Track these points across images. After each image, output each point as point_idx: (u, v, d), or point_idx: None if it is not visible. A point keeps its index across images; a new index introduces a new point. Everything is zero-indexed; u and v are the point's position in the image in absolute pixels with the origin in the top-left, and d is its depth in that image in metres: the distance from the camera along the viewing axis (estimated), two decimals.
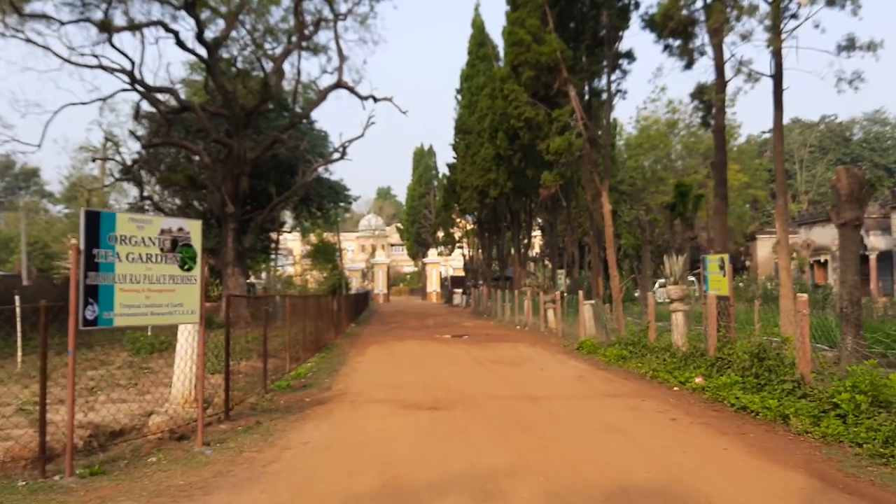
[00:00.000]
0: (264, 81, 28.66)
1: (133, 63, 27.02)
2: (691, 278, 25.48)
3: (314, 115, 55.97)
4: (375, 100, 31.75)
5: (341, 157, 33.74)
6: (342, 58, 30.25)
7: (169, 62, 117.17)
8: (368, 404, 10.25)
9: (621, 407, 9.64)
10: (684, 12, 14.04)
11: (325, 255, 55.57)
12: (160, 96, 29.24)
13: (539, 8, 20.80)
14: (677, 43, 15.28)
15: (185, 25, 53.97)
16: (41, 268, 47.51)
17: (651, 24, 16.13)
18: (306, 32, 29.44)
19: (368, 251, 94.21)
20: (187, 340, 8.81)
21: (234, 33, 29.21)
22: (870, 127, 77.48)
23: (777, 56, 12.85)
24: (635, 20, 24.69)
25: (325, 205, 43.52)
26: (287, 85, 33.51)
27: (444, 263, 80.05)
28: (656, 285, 28.54)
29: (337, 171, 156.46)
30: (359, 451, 7.33)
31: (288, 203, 38.06)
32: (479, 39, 40.33)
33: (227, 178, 28.40)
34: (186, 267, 7.36)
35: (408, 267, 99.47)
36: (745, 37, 12.94)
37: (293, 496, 5.79)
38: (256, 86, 29.92)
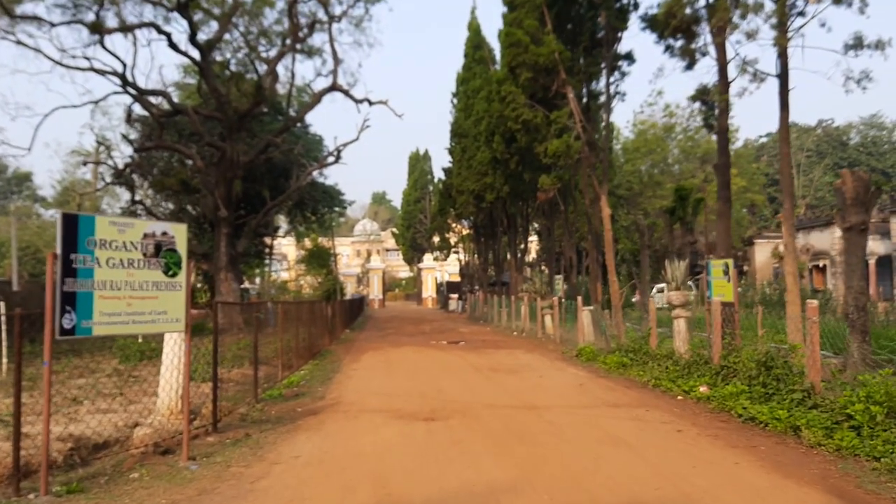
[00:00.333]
0: (258, 84, 28.35)
1: (125, 65, 26.75)
2: (689, 283, 25.12)
3: (309, 119, 55.78)
4: (370, 103, 31.50)
5: (336, 161, 33.50)
6: (337, 60, 30.01)
7: (162, 65, 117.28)
8: (363, 414, 9.91)
9: (625, 417, 9.31)
10: (688, 10, 13.74)
11: (319, 260, 55.19)
12: (153, 99, 28.94)
13: (537, 8, 20.51)
14: (679, 43, 15.00)
15: (178, 27, 53.65)
16: (33, 273, 46.97)
17: (652, 23, 15.86)
18: (300, 35, 29.18)
19: (363, 256, 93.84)
20: (172, 349, 8.45)
21: (227, 35, 28.98)
22: (867, 131, 77.54)
23: (783, 55, 12.56)
24: (634, 21, 24.45)
25: (320, 209, 43.20)
26: (281, 88, 33.26)
27: (440, 269, 79.77)
28: (653, 290, 28.26)
29: (332, 176, 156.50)
30: (352, 465, 6.98)
31: (282, 207, 37.72)
32: (476, 42, 40.07)
33: (221, 182, 28.08)
34: (171, 273, 7.01)
35: (403, 272, 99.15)
36: (750, 35, 12.66)
37: None
38: (250, 88, 29.61)
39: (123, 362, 16.57)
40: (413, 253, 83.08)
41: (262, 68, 29.81)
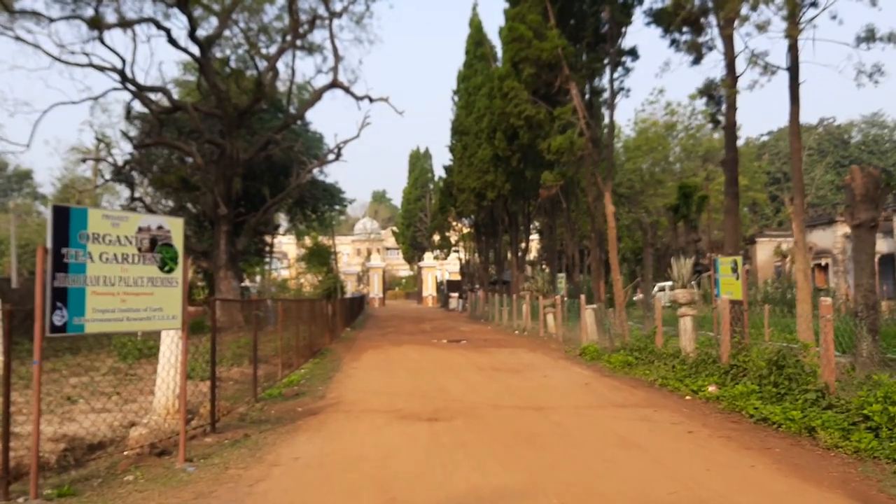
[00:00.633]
0: (258, 80, 28.13)
1: (124, 61, 26.54)
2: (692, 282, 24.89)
3: (309, 117, 55.50)
4: (371, 100, 31.29)
5: (336, 158, 33.30)
6: (337, 57, 29.80)
7: (161, 61, 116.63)
8: (364, 414, 9.67)
9: (633, 418, 9.07)
10: (696, 1, 13.49)
11: (319, 258, 55.02)
12: (152, 96, 28.73)
13: (540, 3, 20.27)
14: (685, 37, 14.75)
15: (178, 23, 53.16)
16: (32, 270, 46.75)
17: (658, 17, 15.60)
18: (301, 31, 28.94)
19: (364, 255, 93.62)
20: (169, 348, 8.21)
21: (227, 32, 28.76)
22: (868, 130, 77.30)
23: (793, 48, 12.30)
24: (638, 16, 24.21)
25: (320, 207, 43.00)
26: (281, 86, 33.06)
27: (440, 267, 79.55)
28: (655, 289, 28.02)
29: (332, 174, 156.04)
30: (353, 468, 6.74)
31: (282, 205, 37.53)
32: (477, 39, 39.82)
33: (220, 180, 27.87)
34: (167, 268, 6.78)
35: (403, 271, 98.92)
36: (761, 27, 12.40)
37: None
38: (250, 85, 29.41)
39: (121, 360, 16.34)
40: (413, 251, 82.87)
41: (263, 65, 29.58)
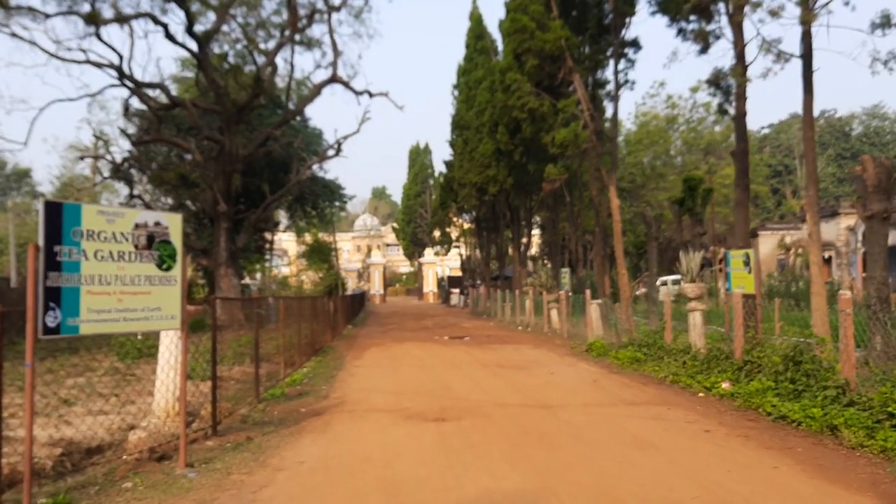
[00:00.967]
0: (257, 76, 27.83)
1: (121, 57, 26.22)
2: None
3: (308, 113, 55.27)
4: (371, 95, 31.00)
5: (336, 154, 33.03)
6: (336, 52, 29.47)
7: (159, 57, 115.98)
8: (369, 414, 9.43)
9: (646, 416, 8.82)
10: None
11: (320, 255, 54.75)
12: (150, 92, 28.41)
13: None
14: (692, 26, 14.47)
15: (175, 18, 53.02)
16: None
17: (665, 5, 15.31)
18: (299, 25, 28.61)
19: (364, 251, 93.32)
20: (168, 348, 7.96)
21: (225, 27, 28.42)
22: (869, 122, 77.12)
23: (807, 35, 12.02)
24: (642, 5, 23.88)
25: (320, 203, 42.74)
26: (280, 81, 32.76)
27: (441, 263, 79.25)
28: (657, 282, 27.73)
29: (331, 171, 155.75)
30: (360, 471, 6.49)
31: (282, 202, 37.27)
32: (478, 32, 39.51)
33: (220, 176, 27.60)
34: (165, 266, 6.52)
35: (404, 267, 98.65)
36: (774, 13, 12.11)
37: None
38: (249, 81, 29.11)
39: (121, 360, 16.12)
40: (414, 248, 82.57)
41: (261, 60, 29.25)
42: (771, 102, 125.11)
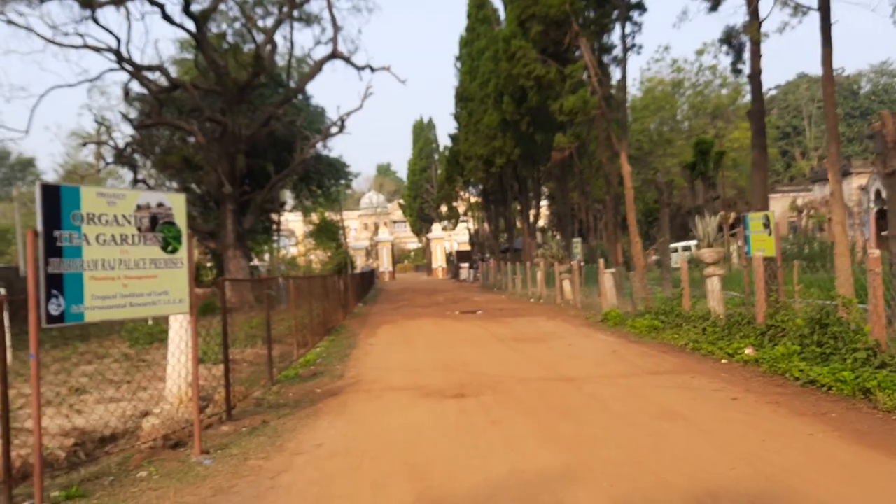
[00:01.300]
0: (256, 54, 27.46)
1: (119, 41, 25.88)
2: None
3: (310, 90, 54.71)
4: (372, 70, 30.59)
5: (340, 131, 32.69)
6: (336, 27, 29.01)
7: (157, 39, 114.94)
8: (386, 393, 9.23)
9: (671, 386, 8.58)
10: None
11: (328, 233, 54.60)
12: (150, 75, 28.08)
13: None
14: None
15: None
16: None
17: None
18: (297, 0, 28.13)
19: (371, 229, 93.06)
20: (178, 333, 7.76)
21: (222, 5, 27.97)
22: (877, 79, 76.02)
23: None
24: None
25: (326, 182, 42.46)
26: (280, 60, 32.37)
27: (449, 238, 79.02)
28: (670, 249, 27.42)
29: (335, 149, 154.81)
30: (381, 453, 6.29)
31: (287, 181, 37.00)
32: (479, 1, 38.83)
33: (223, 158, 27.35)
34: (170, 248, 6.28)
35: (412, 243, 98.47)
36: None
37: None
38: (248, 60, 28.73)
39: (133, 346, 16.00)
40: (421, 223, 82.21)
41: (260, 38, 28.82)
42: (777, 63, 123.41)
